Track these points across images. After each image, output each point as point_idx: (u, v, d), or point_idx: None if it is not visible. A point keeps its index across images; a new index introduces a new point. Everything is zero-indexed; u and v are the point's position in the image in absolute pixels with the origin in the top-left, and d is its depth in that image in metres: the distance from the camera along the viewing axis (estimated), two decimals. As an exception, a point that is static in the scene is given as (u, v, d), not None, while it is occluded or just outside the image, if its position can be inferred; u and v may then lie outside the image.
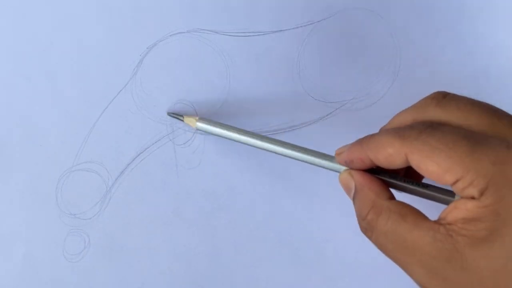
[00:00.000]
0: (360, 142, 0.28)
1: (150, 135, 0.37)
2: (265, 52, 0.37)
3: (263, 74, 0.37)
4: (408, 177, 0.29)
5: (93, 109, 0.37)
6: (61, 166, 0.37)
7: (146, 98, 0.37)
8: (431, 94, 0.28)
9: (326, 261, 0.38)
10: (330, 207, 0.38)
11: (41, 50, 0.37)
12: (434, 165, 0.24)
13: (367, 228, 0.27)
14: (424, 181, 0.29)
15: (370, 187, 0.27)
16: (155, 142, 0.37)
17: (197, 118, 0.35)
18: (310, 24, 0.37)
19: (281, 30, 0.37)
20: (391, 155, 0.25)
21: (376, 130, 0.37)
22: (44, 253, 0.37)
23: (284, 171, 0.38)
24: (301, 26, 0.37)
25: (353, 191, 0.28)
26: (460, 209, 0.23)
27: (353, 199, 0.28)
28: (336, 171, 0.30)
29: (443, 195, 0.27)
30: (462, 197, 0.24)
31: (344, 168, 0.30)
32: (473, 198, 0.23)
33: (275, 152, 0.32)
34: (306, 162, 0.31)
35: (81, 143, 0.37)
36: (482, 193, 0.23)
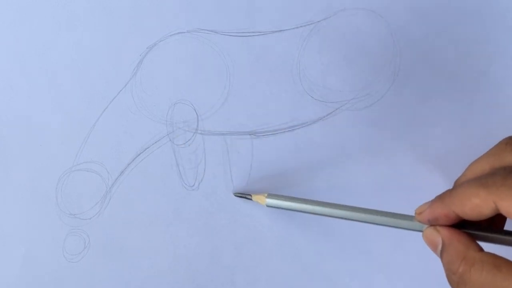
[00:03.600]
0: (441, 198, 0.28)
1: (150, 135, 0.37)
2: (265, 52, 0.37)
3: (263, 74, 0.37)
4: (491, 227, 0.29)
5: (93, 109, 0.37)
6: (61, 166, 0.37)
7: (146, 98, 0.37)
8: (504, 140, 0.28)
9: (326, 261, 0.38)
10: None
11: (41, 50, 0.37)
12: None
13: (459, 282, 0.26)
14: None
15: (459, 240, 0.27)
16: (155, 142, 0.37)
17: (265, 194, 0.35)
18: (310, 24, 0.37)
19: (281, 30, 0.37)
20: (478, 205, 0.25)
21: (376, 130, 0.37)
22: (44, 253, 0.37)
23: (284, 171, 0.38)
24: (301, 26, 0.37)
25: (440, 246, 0.28)
26: None
27: (441, 254, 0.28)
28: (417, 230, 0.30)
29: None
30: None
31: (426, 226, 0.29)
32: None
33: (351, 219, 0.32)
34: (384, 225, 0.31)
35: (81, 143, 0.37)
36: None
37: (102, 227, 0.37)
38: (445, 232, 0.28)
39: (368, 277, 0.38)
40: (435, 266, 0.28)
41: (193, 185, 0.37)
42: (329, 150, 0.37)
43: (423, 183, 0.37)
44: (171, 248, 0.37)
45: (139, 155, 0.37)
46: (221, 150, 0.37)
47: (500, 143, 0.28)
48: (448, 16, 0.37)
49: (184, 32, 0.37)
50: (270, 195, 0.35)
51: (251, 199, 0.36)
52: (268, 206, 0.35)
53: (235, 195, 0.37)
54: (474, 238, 0.27)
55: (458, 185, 0.28)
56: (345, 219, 0.32)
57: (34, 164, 0.37)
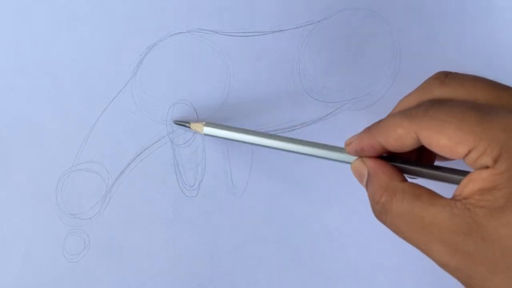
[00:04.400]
0: (369, 129, 0.28)
1: (150, 135, 0.37)
2: (265, 52, 0.37)
3: (263, 74, 0.37)
4: (420, 161, 0.29)
5: (93, 109, 0.37)
6: (61, 166, 0.37)
7: (146, 98, 0.37)
8: (434, 75, 0.28)
9: (326, 261, 0.38)
10: (331, 207, 0.38)
11: (41, 50, 0.37)
12: (445, 139, 0.24)
13: (382, 212, 0.26)
14: (436, 162, 0.29)
15: (383, 171, 0.27)
16: (155, 142, 0.37)
17: (203, 123, 0.35)
18: (310, 24, 0.37)
19: (281, 30, 0.37)
20: (401, 136, 0.25)
21: (376, 130, 0.37)
22: (44, 253, 0.37)
23: (284, 171, 0.38)
24: (301, 26, 0.37)
25: (366, 177, 0.28)
26: (475, 181, 0.23)
27: (366, 184, 0.28)
28: (347, 162, 0.30)
29: (457, 175, 0.27)
30: (476, 169, 0.23)
31: (355, 157, 0.29)
32: (487, 167, 0.23)
33: (285, 150, 0.32)
34: (315, 156, 0.31)
35: (81, 143, 0.37)
36: (496, 161, 0.23)
37: (102, 227, 0.37)
38: (371, 163, 0.28)
39: (368, 277, 0.38)
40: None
41: (193, 185, 0.37)
42: (329, 150, 0.37)
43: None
44: (171, 248, 0.37)
45: (139, 155, 0.37)
46: (221, 150, 0.37)
47: (430, 77, 0.28)
48: (448, 16, 0.37)
49: (184, 32, 0.37)
50: (208, 124, 0.35)
51: (189, 127, 0.36)
52: (205, 134, 0.35)
53: (175, 123, 0.36)
54: (400, 170, 0.28)
55: (387, 116, 0.28)
56: (279, 149, 0.32)
57: (34, 164, 0.37)
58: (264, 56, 0.37)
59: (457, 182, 0.27)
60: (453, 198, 0.24)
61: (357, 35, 0.37)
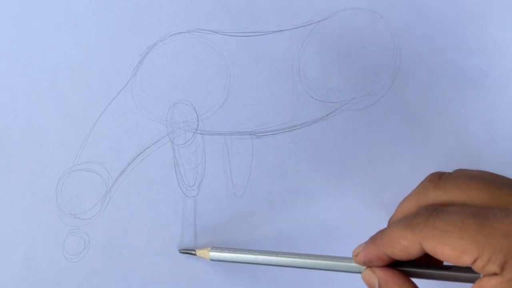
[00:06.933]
0: (374, 240, 0.28)
1: (150, 135, 0.37)
2: (265, 52, 0.37)
3: (263, 74, 0.37)
4: (429, 262, 0.29)
5: (93, 109, 0.37)
6: (61, 166, 0.37)
7: (146, 98, 0.37)
8: (428, 177, 0.28)
9: (326, 261, 0.38)
10: (331, 207, 0.38)
11: (41, 50, 0.37)
12: (449, 249, 0.24)
13: None
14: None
15: (393, 281, 0.28)
16: (155, 142, 0.37)
17: (209, 249, 0.35)
18: (310, 24, 0.37)
19: (281, 30, 0.37)
20: (406, 247, 0.26)
21: (376, 130, 0.37)
22: (44, 253, 0.37)
23: (284, 171, 0.38)
24: (301, 26, 0.37)
25: (377, 287, 0.28)
26: None
27: None
28: (357, 272, 0.30)
29: (466, 273, 0.27)
30: (484, 275, 0.24)
31: (364, 267, 0.30)
32: (495, 274, 0.23)
33: (294, 266, 0.32)
34: (324, 269, 0.31)
35: (81, 143, 0.37)
36: (503, 268, 0.23)
37: (102, 227, 0.37)
38: (380, 274, 0.28)
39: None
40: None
41: (193, 185, 0.37)
42: (329, 150, 0.37)
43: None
44: (171, 248, 0.37)
45: (139, 155, 0.37)
46: (221, 150, 0.37)
47: (425, 180, 0.28)
48: (448, 16, 0.37)
49: (184, 32, 0.37)
50: (214, 249, 0.35)
51: (195, 255, 0.36)
52: (212, 260, 0.35)
53: (180, 252, 0.37)
54: (408, 276, 0.28)
55: (389, 225, 0.28)
56: (288, 266, 0.33)
57: (34, 164, 0.37)
58: (264, 56, 0.37)
59: (467, 281, 0.27)
60: None
61: (357, 35, 0.37)
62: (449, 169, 0.30)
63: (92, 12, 0.37)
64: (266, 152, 0.37)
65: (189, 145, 0.37)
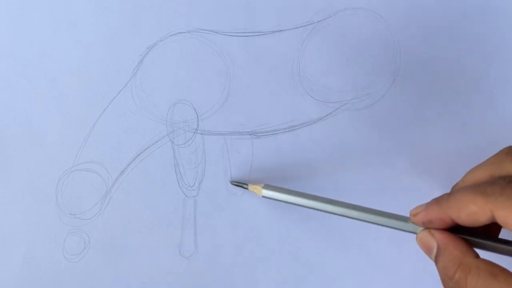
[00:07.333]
0: (438, 201, 0.28)
1: (150, 135, 0.37)
2: (265, 52, 0.37)
3: (263, 74, 0.37)
4: (485, 234, 0.29)
5: (93, 109, 0.37)
6: (61, 166, 0.37)
7: (146, 98, 0.37)
8: (505, 149, 0.28)
9: (326, 261, 0.38)
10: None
11: (41, 50, 0.37)
12: None
13: None
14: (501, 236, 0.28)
15: (455, 246, 0.27)
16: (155, 142, 0.37)
17: (262, 185, 0.35)
18: (310, 24, 0.37)
19: (281, 30, 0.37)
20: (475, 213, 0.25)
21: (376, 130, 0.37)
22: (44, 253, 0.37)
23: (284, 171, 0.38)
24: (301, 26, 0.37)
25: (435, 250, 0.28)
26: None
27: (436, 258, 0.28)
28: (411, 231, 0.30)
29: None
30: None
31: (420, 228, 0.29)
32: None
33: (344, 215, 0.32)
34: (378, 224, 0.31)
35: (81, 143, 0.37)
36: None
37: (102, 227, 0.37)
38: (440, 237, 0.28)
39: (368, 276, 0.38)
40: (435, 266, 0.28)
41: (193, 185, 0.37)
42: (329, 150, 0.37)
43: (422, 183, 0.37)
44: (171, 248, 0.37)
45: (139, 155, 0.37)
46: (221, 150, 0.37)
47: (501, 152, 0.28)
48: (448, 16, 0.37)
49: (184, 32, 0.37)
50: (267, 186, 0.34)
51: (247, 189, 0.36)
52: (264, 197, 0.34)
53: (231, 183, 0.36)
54: (469, 244, 0.27)
55: (456, 190, 0.28)
56: (340, 215, 0.32)
57: (34, 164, 0.37)
58: (264, 56, 0.37)
59: None
60: None
61: (357, 35, 0.37)
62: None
63: (92, 12, 0.37)
64: (266, 152, 0.37)
65: (189, 145, 0.37)
